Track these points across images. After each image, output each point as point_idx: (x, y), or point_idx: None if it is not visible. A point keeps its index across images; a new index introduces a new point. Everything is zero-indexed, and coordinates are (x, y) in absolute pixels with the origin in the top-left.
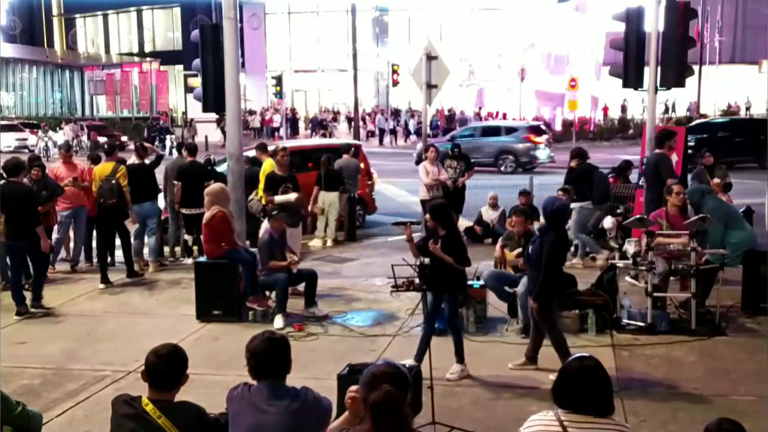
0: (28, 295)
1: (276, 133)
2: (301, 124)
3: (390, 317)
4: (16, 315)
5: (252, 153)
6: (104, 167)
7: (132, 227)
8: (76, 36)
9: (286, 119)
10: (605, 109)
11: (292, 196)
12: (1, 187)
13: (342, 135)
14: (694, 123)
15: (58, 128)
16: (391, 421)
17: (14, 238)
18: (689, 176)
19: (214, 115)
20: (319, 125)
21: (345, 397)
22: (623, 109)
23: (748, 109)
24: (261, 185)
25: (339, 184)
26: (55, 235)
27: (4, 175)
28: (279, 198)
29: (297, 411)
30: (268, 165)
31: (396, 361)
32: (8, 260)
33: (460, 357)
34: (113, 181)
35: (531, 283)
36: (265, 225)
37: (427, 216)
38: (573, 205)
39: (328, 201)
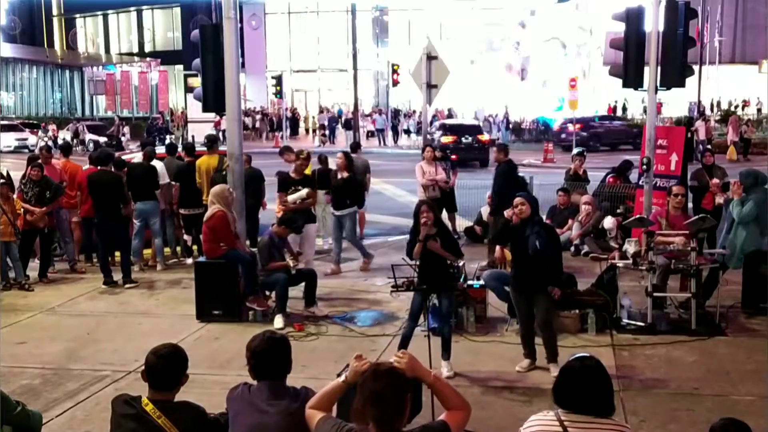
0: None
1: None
2: (302, 124)
3: (390, 317)
4: (104, 284)
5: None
6: (210, 160)
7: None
8: (76, 36)
9: (286, 119)
10: (610, 110)
11: (303, 192)
12: (93, 175)
13: (339, 137)
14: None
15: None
16: (388, 409)
17: (104, 219)
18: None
19: (208, 115)
20: (345, 126)
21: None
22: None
23: (759, 110)
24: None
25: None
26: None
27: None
28: (291, 197)
29: (297, 411)
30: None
31: None
32: (99, 239)
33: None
34: (224, 173)
35: (546, 274)
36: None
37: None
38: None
39: (323, 200)
